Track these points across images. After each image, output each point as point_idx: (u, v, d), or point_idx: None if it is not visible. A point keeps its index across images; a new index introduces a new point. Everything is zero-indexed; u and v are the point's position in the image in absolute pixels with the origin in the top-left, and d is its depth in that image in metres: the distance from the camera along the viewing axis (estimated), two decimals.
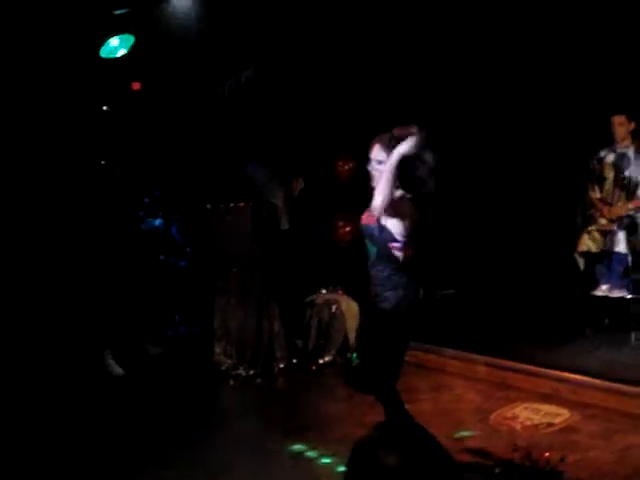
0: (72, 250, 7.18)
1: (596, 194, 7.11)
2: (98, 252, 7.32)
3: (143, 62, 7.15)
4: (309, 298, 7.54)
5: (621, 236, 6.78)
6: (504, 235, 8.10)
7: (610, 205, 7.01)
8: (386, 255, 4.07)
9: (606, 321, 6.95)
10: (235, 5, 7.04)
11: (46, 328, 6.91)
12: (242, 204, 7.19)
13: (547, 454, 4.55)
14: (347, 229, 7.70)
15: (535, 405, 5.69)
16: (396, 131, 4.04)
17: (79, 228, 7.25)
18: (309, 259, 7.64)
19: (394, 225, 4.04)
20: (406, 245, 4.07)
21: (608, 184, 7.07)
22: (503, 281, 7.95)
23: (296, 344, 7.39)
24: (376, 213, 3.99)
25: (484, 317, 7.53)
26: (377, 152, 4.05)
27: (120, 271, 7.45)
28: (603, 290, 6.95)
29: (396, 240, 4.05)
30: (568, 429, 5.23)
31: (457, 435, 5.13)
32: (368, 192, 4.10)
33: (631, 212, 6.89)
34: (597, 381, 5.74)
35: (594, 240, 6.94)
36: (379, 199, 3.92)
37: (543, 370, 6.08)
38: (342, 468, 4.54)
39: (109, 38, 6.76)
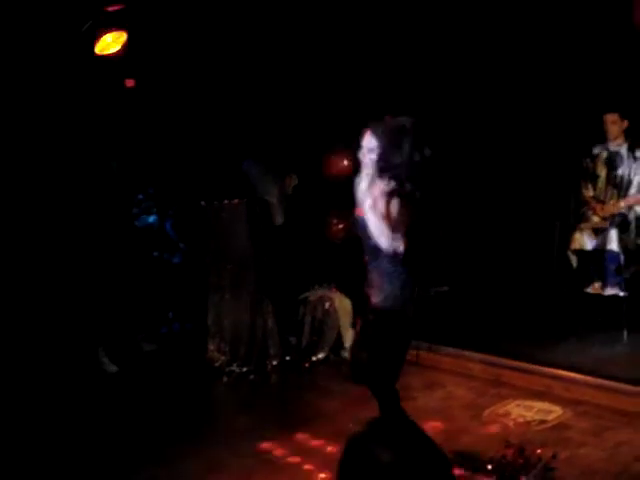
0: (66, 247, 7.17)
1: (589, 192, 7.13)
2: (92, 249, 7.31)
3: (137, 59, 7.13)
4: (303, 295, 7.55)
5: (613, 234, 6.79)
6: (497, 232, 8.12)
7: (603, 203, 7.03)
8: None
9: (599, 319, 6.97)
10: (229, 1, 7.04)
11: (39, 325, 6.91)
12: (236, 201, 7.19)
13: (539, 451, 4.57)
14: (341, 226, 7.69)
15: (528, 402, 5.71)
16: (388, 119, 4.00)
17: (74, 225, 7.23)
18: (303, 256, 7.65)
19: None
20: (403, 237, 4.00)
21: (601, 182, 7.09)
22: (496, 278, 7.97)
23: (289, 341, 7.40)
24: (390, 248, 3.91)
25: (477, 314, 7.56)
26: (369, 140, 4.00)
27: (114, 268, 7.45)
28: (596, 288, 6.97)
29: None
30: (560, 426, 5.26)
31: (450, 433, 5.13)
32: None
33: (623, 210, 6.92)
34: (589, 378, 5.77)
35: (586, 238, 6.96)
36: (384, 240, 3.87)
37: (536, 367, 6.10)
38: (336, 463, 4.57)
39: (102, 35, 6.74)
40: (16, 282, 6.88)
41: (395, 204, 3.90)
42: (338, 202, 7.15)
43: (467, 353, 6.61)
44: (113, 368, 7.10)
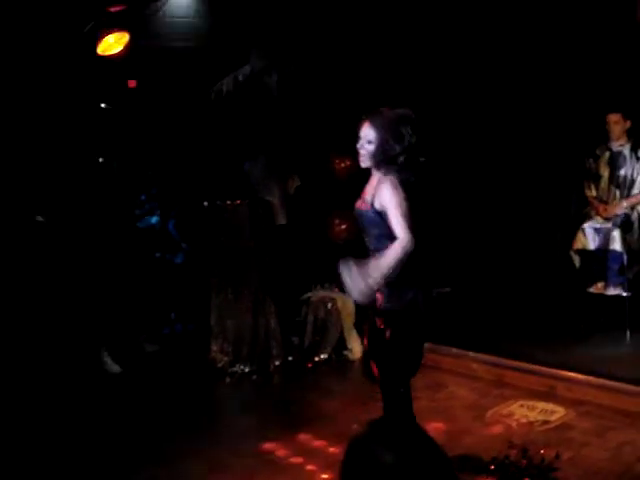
0: (69, 247, 7.17)
1: (591, 192, 7.12)
2: (95, 250, 7.31)
3: (139, 60, 7.13)
4: (305, 295, 7.55)
5: (616, 234, 6.79)
6: (500, 233, 8.11)
7: (605, 203, 7.03)
8: (386, 235, 3.89)
9: (602, 319, 6.97)
10: (232, 2, 7.04)
11: (42, 326, 6.90)
12: (238, 201, 7.19)
13: (542, 451, 4.57)
14: (343, 227, 7.70)
15: (531, 402, 5.70)
16: (386, 110, 3.99)
17: (76, 225, 7.24)
18: (305, 256, 7.64)
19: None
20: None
21: (603, 182, 7.09)
22: (499, 279, 7.96)
23: (292, 341, 7.40)
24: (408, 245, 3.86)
25: (480, 315, 7.55)
26: (367, 130, 3.98)
27: (116, 269, 7.45)
28: (599, 288, 6.96)
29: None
30: (563, 426, 5.25)
31: (453, 433, 5.12)
32: (364, 187, 4.08)
33: (626, 210, 6.91)
34: (592, 379, 5.76)
35: (589, 238, 6.95)
36: (408, 236, 3.84)
37: (539, 368, 6.10)
38: (338, 464, 4.56)
39: (105, 36, 6.74)
40: (19, 283, 6.88)
41: (387, 189, 3.88)
42: (340, 202, 7.16)
43: (470, 354, 6.61)
44: (116, 368, 7.10)
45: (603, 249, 6.87)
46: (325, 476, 4.68)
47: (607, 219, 6.93)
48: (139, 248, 7.85)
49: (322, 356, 7.25)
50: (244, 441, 5.34)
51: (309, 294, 7.54)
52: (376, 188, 3.94)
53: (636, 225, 6.88)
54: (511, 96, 7.66)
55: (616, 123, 6.96)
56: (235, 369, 6.99)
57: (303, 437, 5.34)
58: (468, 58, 7.60)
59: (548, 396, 5.79)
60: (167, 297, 7.95)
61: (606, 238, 6.84)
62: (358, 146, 4.00)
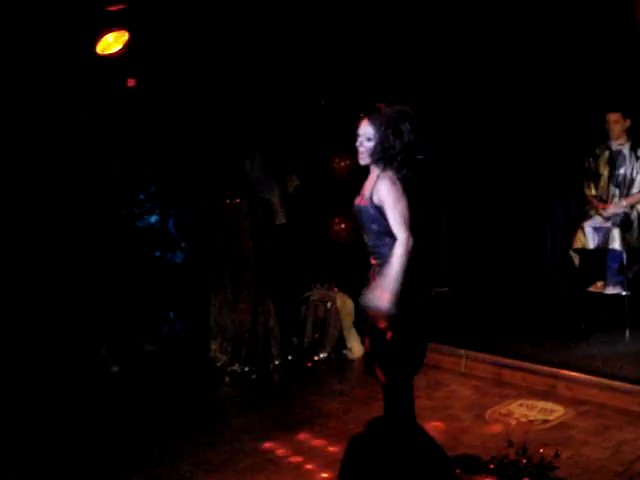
0: (68, 247, 7.17)
1: (591, 191, 7.12)
2: (94, 249, 7.31)
3: (138, 59, 7.13)
4: (304, 295, 7.55)
5: (616, 233, 6.79)
6: (498, 232, 8.11)
7: (605, 202, 7.03)
8: (385, 231, 3.92)
9: (601, 318, 6.97)
10: (230, 1, 7.03)
11: (42, 325, 6.91)
12: (238, 200, 7.19)
13: (542, 450, 4.57)
14: (343, 226, 7.70)
15: (530, 401, 5.71)
16: (383, 107, 3.99)
17: (75, 225, 7.24)
18: (304, 256, 7.65)
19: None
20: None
21: (603, 181, 7.08)
22: (497, 278, 7.96)
23: (291, 341, 7.40)
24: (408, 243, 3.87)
25: (479, 314, 7.55)
26: (366, 128, 3.98)
27: (115, 268, 7.45)
28: (598, 287, 6.96)
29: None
30: (563, 425, 5.25)
31: (452, 432, 5.12)
32: (363, 185, 4.08)
33: (626, 209, 6.91)
34: (592, 378, 5.76)
35: (589, 237, 6.95)
36: (406, 234, 3.85)
37: (538, 367, 6.10)
38: (338, 463, 4.56)
39: (104, 35, 6.74)
40: (19, 283, 6.88)
41: (385, 185, 3.88)
42: (340, 201, 7.17)
43: (469, 353, 6.61)
44: (115, 368, 7.10)
45: (603, 248, 6.87)
46: (325, 475, 4.68)
47: (607, 218, 6.92)
48: (138, 247, 7.84)
49: (321, 355, 7.25)
50: (243, 440, 5.34)
51: (309, 293, 7.54)
52: (375, 184, 3.94)
53: (635, 224, 6.88)
54: (511, 95, 7.66)
55: (616, 122, 6.96)
56: (234, 368, 6.99)
57: (302, 436, 5.34)
58: (468, 57, 7.59)
59: (547, 395, 5.80)
60: (166, 296, 7.95)
61: (605, 237, 6.84)
62: (357, 144, 4.01)
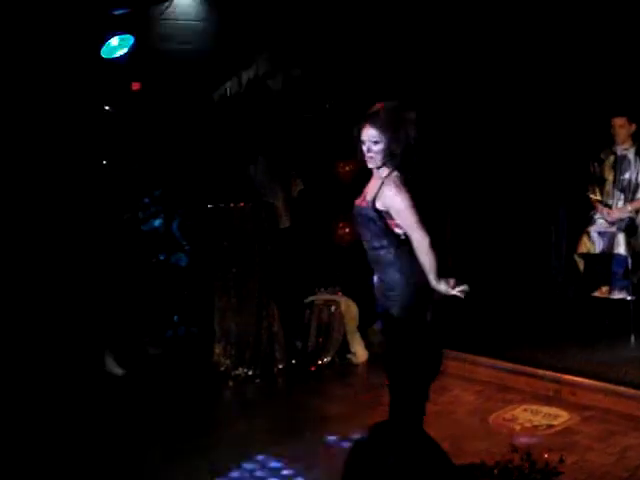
0: (72, 250, 7.17)
1: (596, 196, 7.11)
2: (98, 252, 7.31)
3: (143, 62, 7.14)
4: (308, 299, 7.54)
5: (621, 238, 6.78)
6: (503, 237, 8.09)
7: (610, 207, 7.01)
8: (385, 234, 3.95)
9: (606, 323, 6.95)
10: (236, 5, 7.04)
11: (46, 329, 6.90)
12: (242, 204, 7.19)
13: (546, 455, 4.56)
14: (347, 230, 7.68)
15: (534, 407, 5.70)
16: (380, 108, 3.98)
17: (79, 228, 7.24)
18: (308, 260, 7.64)
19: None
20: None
21: (608, 186, 7.07)
22: (502, 283, 7.94)
23: (295, 345, 7.38)
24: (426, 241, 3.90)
25: (484, 319, 7.52)
26: (370, 132, 3.96)
27: (119, 271, 7.44)
28: (603, 292, 6.95)
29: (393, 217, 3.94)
30: (567, 431, 5.24)
31: (456, 437, 5.11)
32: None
33: (631, 214, 6.89)
34: (596, 383, 5.75)
35: (594, 242, 6.94)
36: (421, 233, 3.87)
37: (543, 372, 6.09)
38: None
39: (109, 38, 6.75)
40: (23, 286, 6.88)
41: (391, 190, 3.89)
42: (344, 206, 7.15)
43: (474, 357, 6.59)
44: (119, 371, 7.09)
45: (608, 253, 6.86)
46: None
47: (611, 223, 6.91)
48: (142, 251, 7.84)
49: (325, 359, 7.24)
50: (247, 444, 5.32)
51: (312, 297, 7.53)
52: (380, 188, 3.94)
53: None
54: (516, 100, 7.64)
55: (621, 127, 6.95)
56: (238, 372, 6.98)
57: (306, 440, 5.33)
58: (474, 63, 7.57)
59: (552, 400, 5.79)
60: (170, 300, 7.94)
61: (611, 242, 6.83)
62: (364, 149, 4.00)
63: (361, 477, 4.09)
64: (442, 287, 3.90)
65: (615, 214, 6.93)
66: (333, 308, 7.34)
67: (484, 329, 7.28)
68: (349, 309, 7.35)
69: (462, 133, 7.83)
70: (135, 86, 7.43)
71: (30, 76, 6.69)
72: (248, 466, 4.96)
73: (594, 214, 7.08)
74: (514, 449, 4.61)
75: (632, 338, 6.71)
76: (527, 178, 7.98)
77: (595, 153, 7.14)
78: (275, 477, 4.82)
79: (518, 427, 5.35)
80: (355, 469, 4.17)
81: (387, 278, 3.99)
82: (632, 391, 5.52)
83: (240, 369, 7.00)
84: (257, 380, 6.90)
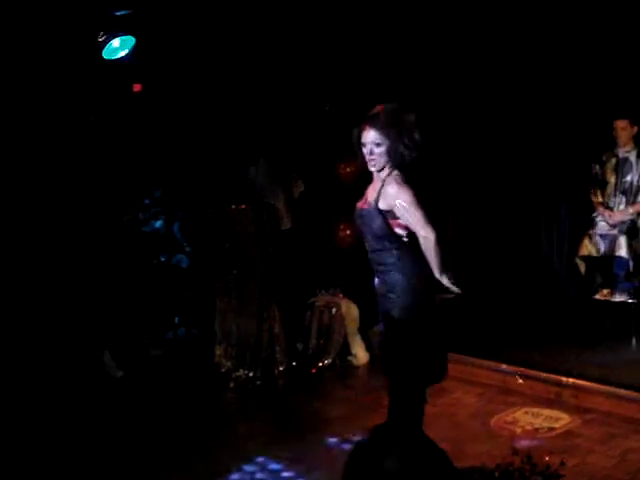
0: (72, 251, 7.17)
1: (598, 198, 7.10)
2: (98, 254, 7.31)
3: (144, 64, 7.13)
4: (309, 301, 7.54)
5: (622, 240, 6.77)
6: (504, 238, 8.08)
7: (611, 209, 7.00)
8: (386, 235, 3.94)
9: (607, 325, 6.94)
10: (235, 6, 7.03)
11: (46, 330, 6.90)
12: (243, 206, 7.18)
13: (547, 458, 4.55)
14: (348, 232, 7.68)
15: (535, 409, 5.69)
16: (380, 110, 3.97)
17: (80, 229, 7.23)
18: (309, 261, 7.63)
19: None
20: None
21: (609, 188, 7.06)
22: (504, 285, 7.93)
23: (296, 347, 7.38)
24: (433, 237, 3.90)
25: (484, 321, 7.52)
26: (371, 134, 3.95)
27: (120, 272, 7.44)
28: (604, 294, 6.94)
29: (397, 217, 3.92)
30: (568, 433, 5.23)
31: (457, 440, 5.11)
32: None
33: (632, 216, 6.88)
34: (598, 386, 5.74)
35: (595, 244, 6.94)
36: (428, 229, 3.88)
37: (544, 374, 6.08)
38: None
39: (110, 39, 6.74)
40: (23, 287, 6.88)
41: (393, 188, 3.89)
42: (345, 207, 7.14)
43: (475, 360, 6.58)
44: (119, 373, 7.09)
45: (609, 255, 6.85)
46: None
47: (613, 225, 6.90)
48: (143, 252, 7.84)
49: (326, 361, 7.23)
50: (247, 446, 5.33)
51: (313, 299, 7.53)
52: (381, 188, 3.93)
53: None
54: (518, 102, 7.64)
55: (623, 129, 6.94)
56: (239, 374, 6.97)
57: (306, 442, 5.32)
58: (476, 64, 7.57)
59: (553, 403, 5.78)
60: (171, 301, 7.94)
61: (612, 244, 6.82)
62: (366, 151, 3.98)
63: (361, 479, 4.09)
64: (445, 280, 3.91)
65: (617, 217, 6.92)
66: (334, 310, 7.33)
67: (485, 331, 7.27)
68: (350, 311, 7.34)
69: (464, 134, 7.82)
70: (136, 87, 7.44)
71: (31, 77, 6.69)
72: (248, 468, 4.96)
73: (596, 216, 7.06)
74: (515, 452, 4.60)
75: (633, 341, 6.70)
76: (529, 180, 7.97)
77: (597, 155, 7.13)
78: (275, 479, 4.82)
79: (519, 430, 5.34)
80: (355, 471, 4.16)
81: (388, 280, 3.98)
82: (633, 394, 5.51)
83: (241, 371, 6.99)
84: (258, 382, 6.90)
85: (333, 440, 5.29)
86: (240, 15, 7.01)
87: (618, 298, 6.83)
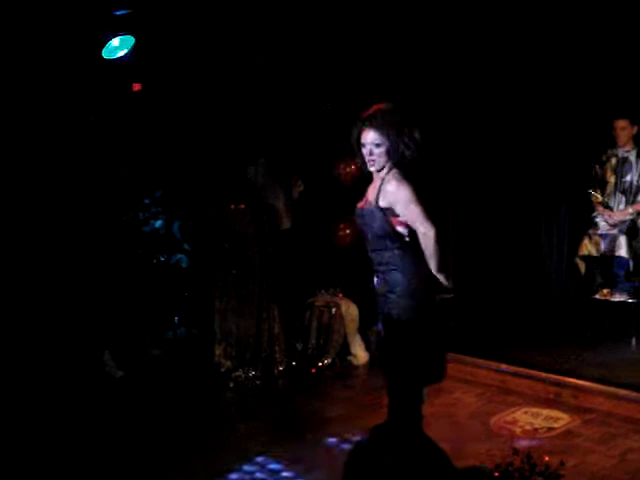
0: (72, 251, 7.17)
1: (597, 198, 7.09)
2: (98, 253, 7.30)
3: (144, 63, 7.13)
4: (309, 300, 7.53)
5: (622, 240, 6.76)
6: (504, 238, 8.08)
7: (611, 209, 7.00)
8: (388, 235, 3.92)
9: (607, 325, 6.94)
10: (236, 5, 7.03)
11: (45, 330, 6.90)
12: (242, 206, 7.18)
13: (547, 458, 4.53)
14: (348, 232, 7.68)
15: (535, 409, 5.68)
16: (378, 112, 3.96)
17: (79, 229, 7.23)
18: (309, 261, 7.63)
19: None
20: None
21: (609, 188, 7.06)
22: (503, 285, 7.93)
23: (296, 347, 7.38)
24: (432, 232, 3.89)
25: (484, 321, 7.52)
26: (371, 135, 3.93)
27: (119, 272, 7.44)
28: (604, 294, 6.94)
29: (397, 214, 3.91)
30: (568, 433, 5.23)
31: (457, 440, 5.11)
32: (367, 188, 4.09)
33: (632, 216, 6.88)
34: (598, 385, 5.74)
35: (595, 244, 6.93)
36: (427, 225, 3.87)
37: (543, 374, 6.07)
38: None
39: (110, 39, 6.74)
40: (23, 287, 6.88)
41: (392, 185, 3.88)
42: (345, 207, 7.14)
43: (474, 360, 6.58)
44: (119, 373, 7.08)
45: (609, 255, 6.85)
46: None
47: (613, 225, 6.90)
48: (143, 252, 7.83)
49: (326, 361, 7.23)
50: (247, 446, 5.32)
51: (313, 299, 7.53)
52: (381, 186, 3.93)
53: None
54: (518, 101, 7.64)
55: (623, 129, 6.94)
56: (239, 374, 6.96)
57: (306, 442, 5.31)
58: (476, 63, 7.56)
59: (553, 403, 5.77)
60: (171, 301, 7.94)
61: (612, 244, 6.82)
62: (365, 152, 3.97)
63: (361, 479, 4.08)
64: (442, 277, 3.90)
65: (616, 216, 6.92)
66: (333, 310, 7.33)
67: (485, 331, 7.28)
68: (349, 311, 7.34)
69: (465, 134, 7.81)
70: (136, 87, 7.43)
71: (31, 77, 6.69)
72: (248, 468, 4.95)
73: (595, 216, 7.06)
74: (515, 452, 4.59)
75: (633, 341, 6.70)
76: (529, 180, 7.97)
77: (597, 155, 7.13)
78: (275, 479, 4.81)
79: (519, 430, 5.33)
80: (355, 471, 4.16)
81: (389, 280, 3.97)
82: (633, 394, 5.50)
83: (240, 371, 6.98)
84: (257, 382, 6.89)
85: (333, 440, 5.28)
86: (240, 15, 7.01)
87: (618, 298, 6.84)
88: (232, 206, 7.19)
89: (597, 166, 7.12)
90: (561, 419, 5.46)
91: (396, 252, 3.92)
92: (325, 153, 7.70)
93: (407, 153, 3.90)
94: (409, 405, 4.00)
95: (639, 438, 5.03)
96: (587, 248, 6.97)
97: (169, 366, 7.37)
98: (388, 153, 3.92)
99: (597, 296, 6.96)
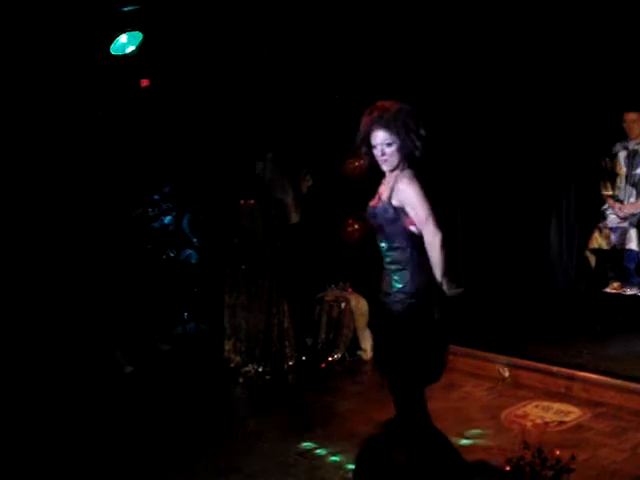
0: (81, 248, 7.18)
1: (608, 191, 7.06)
2: (107, 249, 7.31)
3: (152, 59, 7.14)
4: (318, 295, 7.53)
5: (633, 233, 6.74)
6: (513, 232, 8.06)
7: (622, 202, 6.97)
8: (400, 233, 3.89)
9: (618, 319, 6.92)
10: (243, 1, 7.03)
11: (55, 326, 6.92)
12: (251, 201, 7.17)
13: (557, 452, 4.51)
14: (356, 226, 7.67)
15: (546, 403, 5.67)
16: (385, 112, 3.94)
17: (90, 226, 7.25)
18: (318, 256, 7.62)
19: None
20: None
21: (620, 181, 7.03)
22: (513, 279, 7.91)
23: (305, 341, 7.37)
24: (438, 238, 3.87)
25: (494, 315, 7.50)
26: (381, 135, 3.91)
27: (129, 268, 7.45)
28: (615, 287, 6.92)
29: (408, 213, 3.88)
30: (579, 427, 5.21)
31: (468, 434, 5.11)
32: (377, 187, 4.06)
33: None
34: (608, 379, 5.72)
35: (605, 237, 6.91)
36: (434, 231, 3.85)
37: (554, 368, 6.06)
38: (351, 465, 4.54)
39: (118, 35, 6.75)
40: (33, 284, 6.90)
41: (404, 184, 3.87)
42: (353, 202, 7.14)
43: (485, 354, 6.56)
44: (129, 368, 7.10)
45: (620, 249, 6.82)
46: (338, 478, 4.65)
47: (623, 218, 6.87)
48: (152, 247, 7.84)
49: (335, 356, 7.22)
50: (257, 441, 5.32)
51: (323, 294, 7.52)
52: (394, 185, 3.91)
53: None
54: (527, 95, 7.61)
55: (633, 121, 6.92)
56: (248, 369, 6.97)
57: (316, 437, 5.31)
58: (485, 57, 7.54)
59: (564, 397, 5.76)
60: (180, 296, 7.95)
61: (622, 237, 6.80)
62: (377, 153, 3.94)
63: (371, 473, 4.08)
64: (444, 286, 3.87)
65: (627, 209, 6.89)
66: (343, 305, 7.32)
67: (495, 325, 7.26)
68: (359, 305, 7.33)
69: (473, 129, 7.80)
70: (144, 83, 7.43)
71: (39, 73, 6.70)
72: (259, 463, 4.94)
73: (606, 209, 7.04)
74: (525, 446, 4.57)
75: None
76: (538, 174, 7.95)
77: (607, 148, 7.10)
78: (286, 474, 4.80)
79: (529, 424, 5.31)
80: (365, 465, 4.15)
81: (399, 278, 3.94)
82: None
83: (250, 366, 6.99)
84: (267, 377, 6.89)
85: (343, 434, 5.27)
86: (247, 10, 7.01)
87: (628, 291, 6.82)
88: (241, 201, 7.19)
89: (607, 159, 7.10)
90: (572, 413, 5.45)
91: (409, 251, 3.89)
92: (333, 147, 7.69)
93: (417, 149, 3.88)
94: (410, 403, 4.00)
95: None
96: (597, 241, 6.95)
97: (179, 361, 7.38)
98: (400, 151, 3.90)
99: (607, 289, 6.94)
